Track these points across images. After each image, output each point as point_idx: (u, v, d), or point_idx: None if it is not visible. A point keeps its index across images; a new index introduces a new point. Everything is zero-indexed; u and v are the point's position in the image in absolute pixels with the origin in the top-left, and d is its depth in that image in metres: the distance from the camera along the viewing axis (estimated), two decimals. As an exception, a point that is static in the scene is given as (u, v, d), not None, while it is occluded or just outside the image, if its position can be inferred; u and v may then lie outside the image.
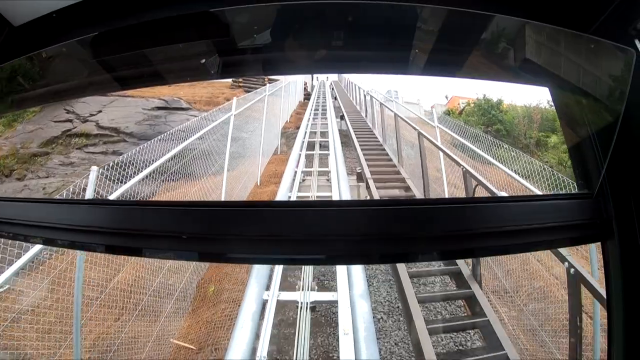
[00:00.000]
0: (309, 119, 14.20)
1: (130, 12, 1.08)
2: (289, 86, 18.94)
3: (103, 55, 1.17)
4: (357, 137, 12.41)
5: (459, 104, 23.00)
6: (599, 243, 0.94)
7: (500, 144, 10.71)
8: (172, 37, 1.10)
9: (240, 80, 21.04)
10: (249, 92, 15.27)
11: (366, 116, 17.16)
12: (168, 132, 7.49)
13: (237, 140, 10.15)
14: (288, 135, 15.71)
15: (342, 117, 16.76)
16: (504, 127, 18.34)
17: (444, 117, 14.41)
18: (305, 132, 11.48)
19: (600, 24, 0.88)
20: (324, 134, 12.16)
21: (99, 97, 15.77)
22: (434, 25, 1.03)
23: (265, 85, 16.43)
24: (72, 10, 1.09)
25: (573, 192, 1.05)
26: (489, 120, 18.62)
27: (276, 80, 17.77)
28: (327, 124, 13.22)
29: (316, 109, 17.96)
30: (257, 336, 3.03)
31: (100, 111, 15.61)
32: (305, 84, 27.89)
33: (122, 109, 15.74)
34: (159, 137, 7.19)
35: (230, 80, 21.15)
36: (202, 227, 0.92)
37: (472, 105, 20.70)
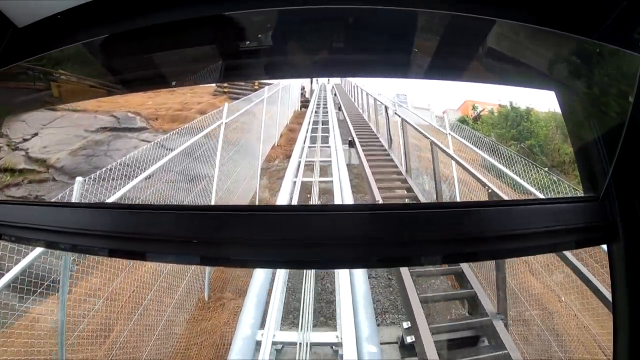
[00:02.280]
0: (303, 148, 9.51)
1: (133, 14, 1.09)
2: (279, 93, 14.22)
3: (106, 58, 1.18)
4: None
5: (472, 108, 19.73)
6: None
7: (534, 165, 8.57)
8: (176, 41, 1.11)
9: (226, 85, 17.16)
10: (236, 99, 12.22)
11: (390, 146, 11.18)
12: (93, 176, 5.07)
13: (198, 180, 7.86)
14: (272, 172, 11.33)
15: (351, 144, 11.44)
16: (537, 142, 14.13)
17: (459, 126, 11.78)
18: (295, 183, 7.16)
19: (605, 28, 0.89)
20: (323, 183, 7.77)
21: (43, 113, 12.40)
22: (438, 30, 1.04)
23: (255, 90, 13.83)
24: (77, 12, 1.09)
25: (579, 195, 1.05)
26: (519, 134, 14.58)
27: (269, 84, 14.05)
28: (329, 159, 8.69)
29: (315, 124, 13.32)
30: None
31: (36, 134, 12.08)
32: (303, 88, 22.46)
33: (62, 130, 12.14)
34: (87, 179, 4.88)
35: (213, 84, 17.18)
36: (206, 232, 0.92)
37: (496, 112, 16.98)
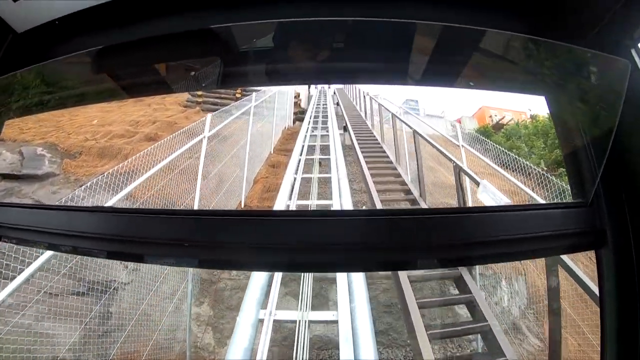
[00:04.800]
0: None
1: (130, 22, 1.11)
2: (251, 111, 9.32)
3: (101, 65, 1.20)
4: None
5: (490, 116, 17.18)
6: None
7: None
8: (172, 48, 1.12)
9: (200, 94, 13.49)
10: (212, 110, 9.21)
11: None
12: None
13: (96, 293, 4.79)
14: (218, 292, 6.26)
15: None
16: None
17: (478, 138, 9.56)
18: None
19: (597, 33, 0.90)
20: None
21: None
22: (434, 39, 1.05)
23: (238, 98, 11.10)
24: (74, 19, 1.11)
25: (569, 201, 1.06)
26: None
27: (256, 90, 11.00)
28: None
29: (308, 163, 7.63)
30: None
31: None
32: (297, 96, 17.37)
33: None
34: None
35: (187, 93, 13.25)
36: (203, 235, 0.93)
37: (529, 124, 13.81)
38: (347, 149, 10.12)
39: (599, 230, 0.92)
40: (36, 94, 1.29)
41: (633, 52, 0.87)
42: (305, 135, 10.03)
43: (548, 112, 1.06)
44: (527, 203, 5.30)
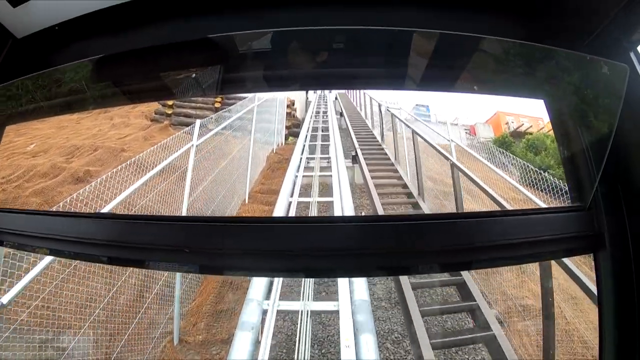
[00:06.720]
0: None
1: (128, 27, 1.12)
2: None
3: (101, 72, 1.21)
4: None
5: (507, 123, 15.36)
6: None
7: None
8: (171, 57, 1.13)
9: (171, 104, 11.11)
10: (185, 125, 7.79)
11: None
12: None
13: None
14: None
15: None
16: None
17: (496, 149, 8.26)
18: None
19: (595, 37, 0.91)
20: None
21: None
22: (433, 44, 1.06)
23: (217, 109, 9.29)
24: (74, 24, 1.12)
25: (567, 205, 1.07)
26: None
27: (242, 97, 8.79)
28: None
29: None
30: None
31: None
32: (292, 104, 14.12)
33: None
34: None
35: (157, 104, 11.09)
36: (205, 241, 0.94)
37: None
38: (360, 193, 6.91)
39: (597, 233, 0.92)
40: (35, 100, 1.30)
41: (632, 55, 0.87)
42: (297, 176, 6.61)
43: (547, 115, 1.07)
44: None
